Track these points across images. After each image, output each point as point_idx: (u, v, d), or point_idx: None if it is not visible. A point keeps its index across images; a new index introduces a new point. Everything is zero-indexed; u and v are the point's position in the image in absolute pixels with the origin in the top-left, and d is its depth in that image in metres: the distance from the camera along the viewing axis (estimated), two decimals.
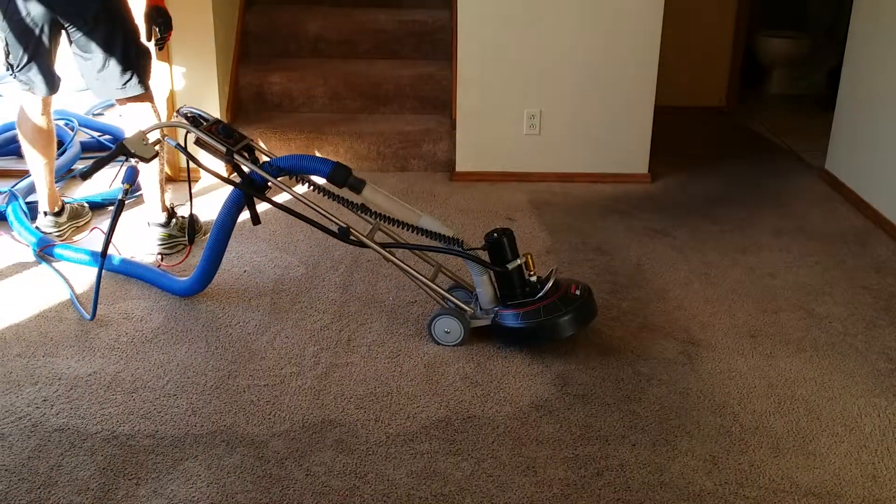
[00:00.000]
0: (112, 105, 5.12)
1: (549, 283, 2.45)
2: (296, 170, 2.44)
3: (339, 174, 2.40)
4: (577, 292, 2.45)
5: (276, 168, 2.43)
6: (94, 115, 4.89)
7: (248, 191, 2.45)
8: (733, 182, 4.00)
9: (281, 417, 2.13)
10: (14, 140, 4.03)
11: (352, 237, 2.41)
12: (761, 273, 3.03)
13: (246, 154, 2.44)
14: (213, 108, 3.76)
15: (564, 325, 2.38)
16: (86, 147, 4.14)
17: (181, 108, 2.50)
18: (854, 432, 2.12)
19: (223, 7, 3.82)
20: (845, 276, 3.02)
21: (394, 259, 2.47)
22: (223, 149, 2.37)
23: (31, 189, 3.49)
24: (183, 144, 2.42)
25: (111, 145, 4.14)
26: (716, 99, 5.22)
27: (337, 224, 2.42)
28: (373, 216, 2.44)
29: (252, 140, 2.49)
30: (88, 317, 2.54)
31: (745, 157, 4.42)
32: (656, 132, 3.93)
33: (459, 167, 3.86)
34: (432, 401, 2.22)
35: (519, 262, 2.44)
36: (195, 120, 2.43)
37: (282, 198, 3.27)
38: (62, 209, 3.20)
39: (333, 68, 4.14)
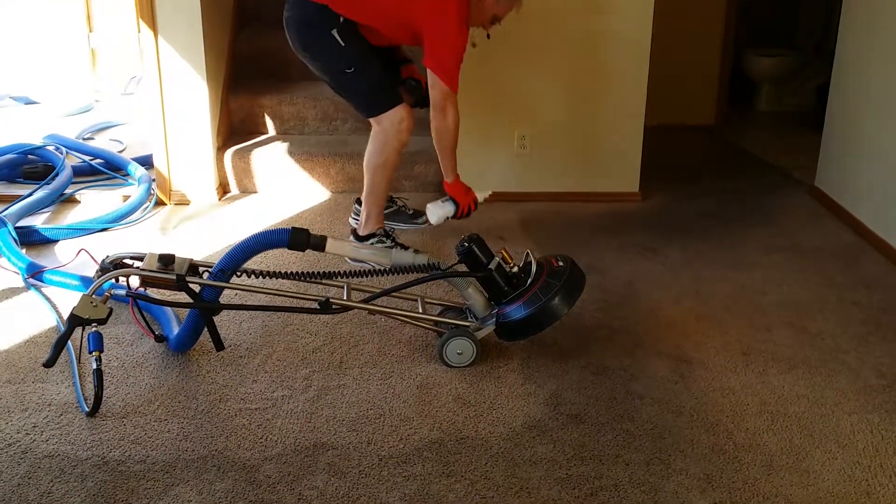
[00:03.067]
0: (104, 128, 5.14)
1: (534, 266, 2.47)
2: (248, 257, 2.35)
3: (299, 238, 2.34)
4: (561, 263, 2.49)
5: (227, 271, 2.33)
6: (84, 138, 4.90)
7: (204, 315, 2.35)
8: (723, 200, 4.01)
9: (272, 441, 2.12)
10: (7, 164, 4.04)
11: (334, 306, 2.36)
12: (752, 290, 3.04)
13: (192, 273, 2.34)
14: (205, 131, 3.77)
15: (565, 298, 2.40)
16: (77, 171, 4.13)
17: (104, 259, 2.40)
18: (847, 449, 2.12)
19: (214, 30, 3.84)
20: (836, 292, 3.03)
21: (382, 310, 2.47)
22: (173, 277, 2.27)
23: (21, 214, 3.49)
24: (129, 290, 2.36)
25: (103, 169, 4.14)
26: (705, 117, 5.25)
27: (314, 299, 2.37)
28: (339, 277, 2.42)
29: (191, 259, 2.38)
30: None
31: (734, 174, 4.45)
32: (646, 151, 3.95)
33: None
34: (425, 422, 2.21)
35: (497, 260, 2.46)
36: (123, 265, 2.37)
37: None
38: None
39: (324, 90, 4.12)
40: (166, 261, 2.34)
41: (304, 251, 2.41)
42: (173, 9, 3.55)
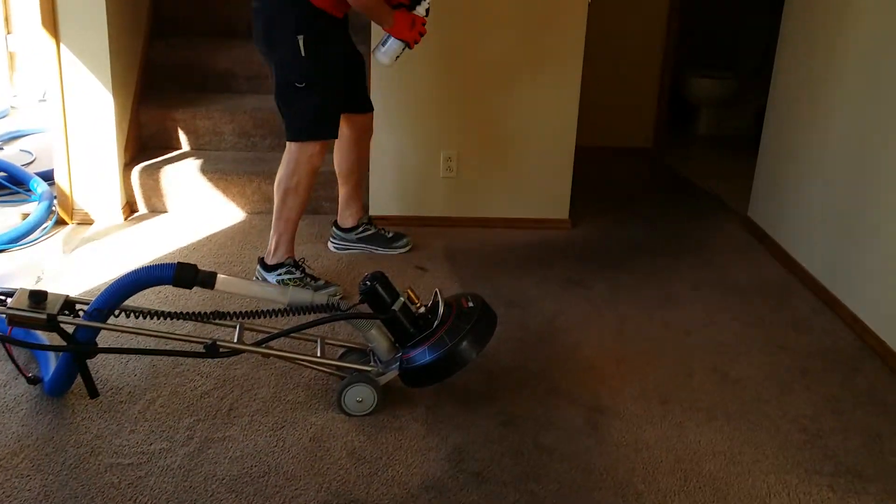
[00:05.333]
0: (16, 137, 4.86)
1: (441, 307, 2.31)
2: (128, 295, 2.16)
3: (186, 275, 2.15)
4: (471, 304, 2.32)
5: (104, 311, 2.14)
6: None
7: (78, 359, 2.15)
8: (655, 228, 3.91)
9: (142, 503, 1.92)
10: None
11: (222, 349, 2.18)
12: (677, 329, 2.92)
13: (68, 312, 2.15)
14: (110, 147, 3.54)
15: (474, 342, 2.24)
16: None
17: None
18: None
19: (123, 39, 3.61)
20: (763, 333, 2.92)
21: (276, 353, 2.29)
22: (43, 316, 2.08)
23: None
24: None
25: (6, 183, 3.88)
26: (643, 140, 5.16)
27: (200, 342, 2.18)
28: (232, 317, 2.23)
29: (67, 295, 2.20)
30: None
31: (668, 201, 4.35)
32: (580, 174, 3.83)
33: (373, 211, 3.69)
34: (313, 482, 2.03)
35: (402, 300, 2.29)
36: None
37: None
38: None
39: (242, 104, 3.95)
40: (38, 298, 2.13)
41: (191, 288, 2.22)
42: (77, 16, 3.33)
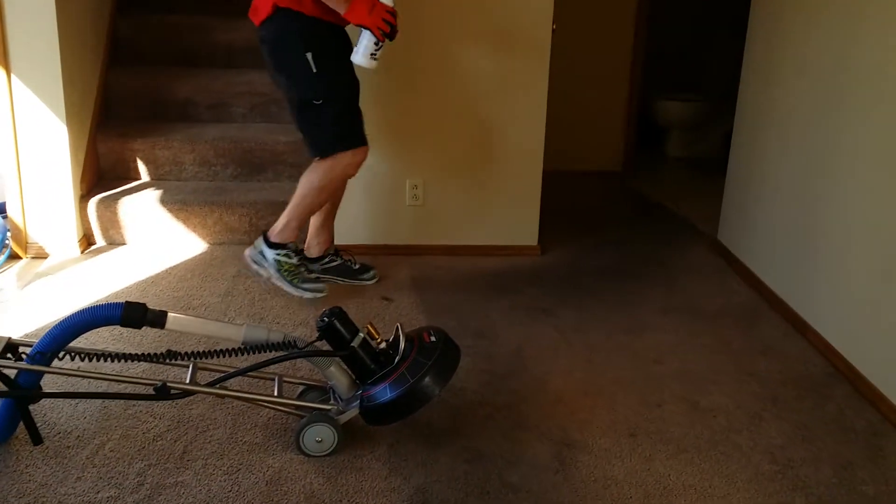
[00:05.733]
0: None
1: (402, 343, 2.23)
2: (73, 336, 2.08)
3: (134, 314, 2.07)
4: (433, 339, 2.25)
5: (48, 354, 2.05)
6: None
7: (20, 404, 2.06)
8: (624, 253, 3.87)
9: None
10: None
11: (173, 391, 2.10)
12: (646, 358, 2.86)
13: (10, 355, 2.07)
14: (65, 178, 3.45)
15: (436, 378, 2.16)
16: None
17: None
18: None
19: (77, 67, 3.53)
20: (732, 360, 2.87)
21: (230, 393, 2.20)
22: None
23: None
24: None
25: None
26: (612, 163, 5.14)
27: (149, 384, 2.10)
28: (185, 357, 2.15)
29: (10, 337, 2.11)
30: None
31: (638, 225, 4.32)
32: (549, 199, 3.79)
33: (338, 240, 3.61)
34: None
35: (361, 335, 2.22)
36: None
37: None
38: None
39: (203, 133, 3.88)
40: None
41: (140, 328, 2.13)
42: (28, 44, 3.24)
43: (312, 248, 3.31)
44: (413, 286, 3.37)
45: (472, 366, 2.74)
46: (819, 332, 2.95)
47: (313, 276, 3.14)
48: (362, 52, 2.79)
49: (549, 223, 3.95)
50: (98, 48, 3.89)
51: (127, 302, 2.10)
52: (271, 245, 3.08)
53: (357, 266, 3.32)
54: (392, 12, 2.77)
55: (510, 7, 3.45)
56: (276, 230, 3.08)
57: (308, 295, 3.11)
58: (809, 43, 3.10)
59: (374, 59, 2.81)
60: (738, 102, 3.71)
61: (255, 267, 3.14)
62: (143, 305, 2.11)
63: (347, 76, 2.94)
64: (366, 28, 2.75)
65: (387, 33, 2.77)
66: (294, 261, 3.10)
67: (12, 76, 3.28)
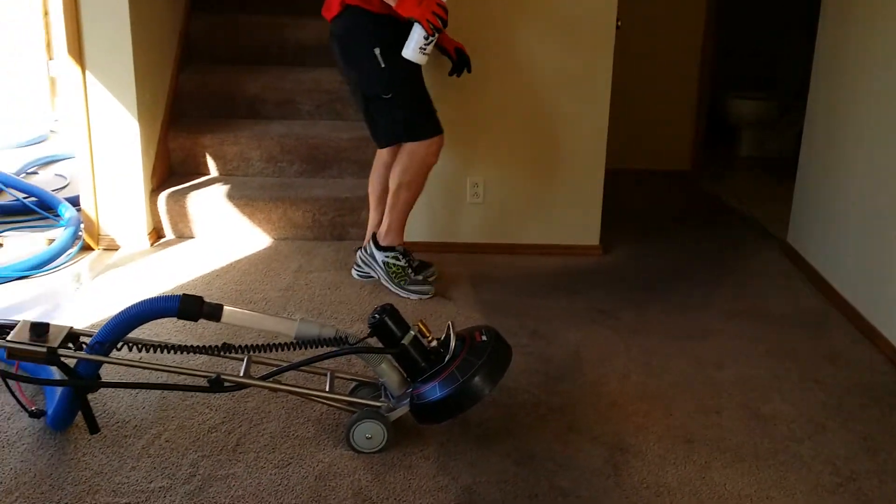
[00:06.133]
0: (52, 161, 4.92)
1: (452, 341, 2.22)
2: (131, 328, 2.13)
3: (191, 307, 2.11)
4: (484, 338, 2.24)
5: (106, 344, 2.10)
6: (27, 172, 4.69)
7: (78, 393, 2.12)
8: (690, 255, 3.78)
9: None
10: None
11: (227, 384, 2.13)
12: (707, 363, 2.79)
13: (71, 344, 2.13)
14: (136, 173, 3.55)
15: (486, 377, 2.15)
16: (8, 210, 3.92)
17: None
18: None
19: (150, 67, 3.63)
20: (797, 367, 2.78)
21: (283, 387, 2.23)
22: (43, 350, 2.04)
23: None
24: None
25: (35, 208, 3.92)
26: (679, 162, 5.03)
27: (204, 376, 2.13)
28: (241, 350, 2.19)
29: (71, 327, 2.17)
30: None
31: (705, 226, 4.22)
32: (613, 198, 3.73)
33: None
34: None
35: (412, 333, 2.22)
36: (1, 330, 2.16)
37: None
38: None
39: (270, 130, 3.93)
40: (39, 331, 2.10)
41: (196, 321, 2.18)
42: (102, 44, 3.35)
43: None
44: (472, 284, 3.36)
45: (527, 366, 2.72)
46: (889, 340, 2.83)
47: (420, 277, 3.18)
48: (412, 47, 2.81)
49: (613, 223, 3.89)
50: (171, 47, 3.98)
51: (184, 294, 2.14)
52: (380, 248, 3.18)
53: (416, 263, 3.32)
54: (442, 6, 2.78)
55: (573, 3, 3.40)
56: (383, 233, 3.18)
57: (414, 297, 3.16)
58: (885, 37, 2.97)
59: (425, 53, 2.83)
60: (809, 101, 3.59)
61: (365, 268, 3.25)
62: (200, 298, 2.15)
63: (415, 68, 2.96)
64: (416, 21, 2.77)
65: (437, 27, 2.77)
66: (402, 263, 3.18)
67: (87, 73, 3.38)
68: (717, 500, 2.09)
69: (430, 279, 3.31)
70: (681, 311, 3.18)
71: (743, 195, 4.65)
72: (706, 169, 5.09)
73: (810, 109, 3.60)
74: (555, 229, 3.68)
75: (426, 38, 2.78)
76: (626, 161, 4.84)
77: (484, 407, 2.45)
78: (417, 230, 3.64)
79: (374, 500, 2.05)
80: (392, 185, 3.12)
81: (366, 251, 3.24)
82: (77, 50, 3.34)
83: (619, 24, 3.48)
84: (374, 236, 3.23)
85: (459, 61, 3.19)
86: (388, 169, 3.20)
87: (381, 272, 3.20)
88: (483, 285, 3.36)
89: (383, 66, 2.88)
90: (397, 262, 3.17)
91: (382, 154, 3.18)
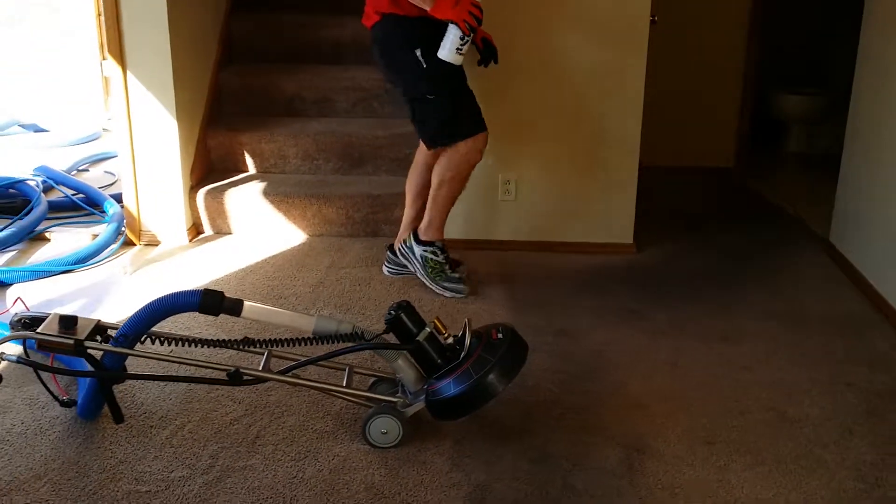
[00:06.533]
0: (102, 159, 5.06)
1: (468, 339, 2.24)
2: (155, 321, 2.17)
3: (212, 302, 2.15)
4: (500, 336, 2.25)
5: (131, 336, 2.15)
6: (78, 169, 4.83)
7: (104, 384, 2.18)
8: (728, 254, 3.71)
9: None
10: None
11: (246, 377, 2.18)
12: (737, 365, 2.74)
13: (99, 337, 2.19)
14: (175, 170, 3.63)
15: (501, 375, 2.17)
16: (58, 206, 4.04)
17: (14, 316, 2.34)
18: None
19: (189, 67, 3.70)
20: (831, 370, 2.71)
21: (300, 381, 2.27)
22: (70, 342, 2.11)
23: None
24: (25, 355, 2.19)
25: (83, 205, 4.04)
26: (723, 159, 4.94)
27: (223, 370, 2.18)
28: (261, 345, 2.23)
29: (99, 320, 2.24)
30: None
31: (746, 224, 4.13)
32: (652, 196, 3.68)
33: None
34: None
35: (428, 330, 2.24)
36: (33, 322, 2.24)
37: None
38: None
39: (306, 127, 3.99)
40: (67, 323, 2.17)
41: (217, 315, 2.22)
42: (142, 45, 3.44)
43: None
44: (502, 281, 3.36)
45: (550, 365, 2.71)
46: None
47: (456, 275, 3.19)
48: (448, 47, 2.83)
49: (650, 221, 3.84)
50: (211, 47, 4.06)
51: (205, 290, 2.19)
52: (420, 242, 3.20)
53: (457, 276, 3.30)
54: (477, 5, 2.78)
55: (606, 1, 3.37)
56: (423, 227, 3.20)
57: (448, 294, 3.17)
58: None
59: (461, 53, 2.84)
60: (853, 97, 3.50)
61: (400, 262, 3.27)
62: (221, 294, 2.20)
63: (455, 67, 2.96)
64: (452, 22, 2.78)
65: (473, 27, 2.78)
66: (440, 258, 3.19)
67: (128, 73, 3.47)
68: (733, 503, 2.06)
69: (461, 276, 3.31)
70: (713, 311, 3.13)
71: (787, 193, 4.55)
72: (751, 166, 4.98)
73: (854, 106, 3.51)
74: (587, 227, 3.65)
75: (462, 39, 2.79)
76: (668, 158, 4.77)
77: (502, 404, 2.45)
78: (449, 227, 3.63)
79: (387, 494, 2.07)
80: (434, 181, 3.13)
81: (405, 245, 3.25)
82: (118, 51, 3.43)
83: (655, 18, 3.44)
84: (415, 231, 3.24)
85: (486, 52, 3.16)
86: (428, 168, 3.20)
87: (419, 266, 3.21)
88: (513, 283, 3.35)
89: (425, 66, 2.89)
90: (435, 258, 3.18)
91: (424, 153, 3.18)
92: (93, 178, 4.62)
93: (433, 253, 3.19)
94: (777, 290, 3.34)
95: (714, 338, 2.93)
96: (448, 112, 3.02)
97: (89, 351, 2.14)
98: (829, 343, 2.90)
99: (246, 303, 2.22)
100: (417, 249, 3.21)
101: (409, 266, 3.26)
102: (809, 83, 5.32)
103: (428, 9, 2.80)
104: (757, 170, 4.95)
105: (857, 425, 2.40)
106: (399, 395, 2.30)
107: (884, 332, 2.98)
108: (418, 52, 2.90)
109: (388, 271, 3.36)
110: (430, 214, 3.19)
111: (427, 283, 3.20)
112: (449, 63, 2.88)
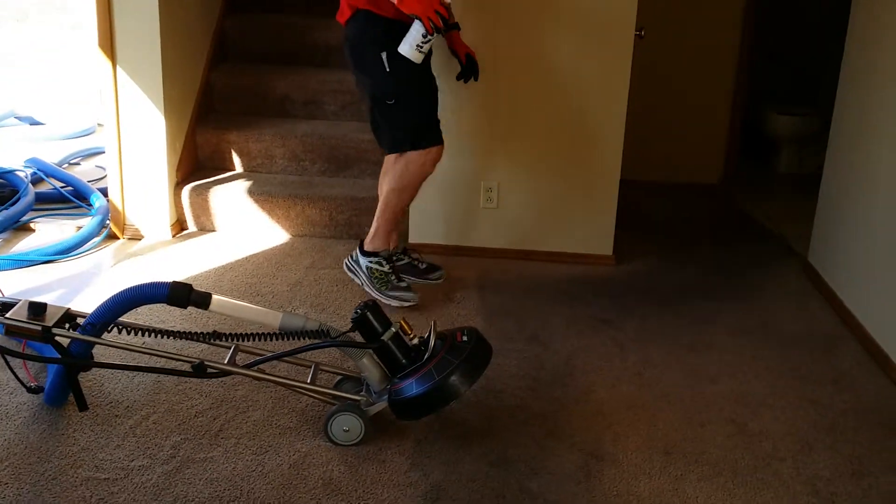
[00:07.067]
0: (94, 153, 5.10)
1: (432, 340, 2.26)
2: (123, 311, 2.21)
3: (180, 294, 2.19)
4: (465, 338, 2.27)
5: (99, 325, 2.19)
6: (70, 163, 4.86)
7: (69, 371, 2.21)
8: (706, 270, 3.73)
9: None
10: None
11: (210, 370, 2.21)
12: (702, 377, 2.77)
13: (67, 325, 2.22)
14: (161, 165, 3.66)
15: (463, 377, 2.19)
16: (46, 198, 4.07)
17: None
18: None
19: (179, 64, 3.74)
20: (796, 386, 2.73)
21: (265, 376, 2.29)
22: (38, 328, 2.14)
23: None
24: None
25: (70, 197, 4.07)
26: (711, 176, 4.97)
27: (187, 361, 2.21)
28: (228, 339, 2.26)
29: (68, 308, 2.27)
30: None
31: (728, 241, 4.15)
32: (637, 210, 3.70)
33: (411, 239, 3.67)
34: None
35: (393, 330, 2.27)
36: (3, 308, 2.26)
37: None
38: None
39: (294, 129, 4.02)
40: (37, 310, 2.20)
41: (185, 308, 2.25)
42: (132, 40, 3.47)
43: None
44: (478, 288, 3.38)
45: (518, 370, 2.73)
46: None
47: (404, 284, 3.17)
48: (409, 43, 2.79)
49: (632, 234, 3.87)
50: (203, 46, 4.10)
51: (173, 282, 2.22)
52: (365, 253, 3.17)
53: (424, 266, 3.35)
54: (445, 5, 2.78)
55: (591, 10, 3.40)
56: (369, 238, 3.17)
57: (395, 303, 3.13)
58: None
59: (420, 51, 2.80)
60: (834, 116, 3.53)
61: (350, 274, 3.25)
62: (189, 286, 2.22)
63: (422, 77, 2.97)
64: (417, 17, 2.74)
65: (437, 26, 2.74)
66: (385, 268, 3.14)
67: (117, 68, 3.51)
68: None
69: (437, 281, 3.33)
70: (685, 324, 3.16)
71: (773, 212, 4.57)
72: (739, 183, 5.01)
73: (835, 127, 3.54)
74: (568, 237, 3.68)
75: (424, 37, 2.76)
76: (656, 173, 4.81)
77: (468, 407, 2.48)
78: (431, 232, 3.68)
79: (343, 490, 2.10)
80: (385, 189, 3.10)
81: (352, 259, 3.22)
82: (108, 45, 3.46)
83: (643, 33, 3.47)
84: (361, 242, 3.21)
85: (468, 67, 3.17)
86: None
87: (365, 279, 3.17)
88: (489, 289, 3.38)
89: (388, 70, 2.89)
90: (381, 268, 3.13)
91: (391, 159, 3.20)
92: (83, 172, 4.65)
93: (378, 263, 3.14)
94: (751, 306, 3.36)
95: (683, 349, 2.95)
96: (406, 119, 3.00)
97: (57, 338, 2.17)
98: (797, 359, 2.92)
99: (214, 296, 2.25)
100: (363, 261, 3.16)
101: (357, 279, 3.21)
102: (802, 102, 5.35)
103: (395, 2, 2.77)
104: (745, 188, 4.98)
105: (816, 441, 2.42)
106: (363, 393, 2.33)
107: (852, 351, 3.00)
108: (384, 55, 2.87)
109: (347, 267, 3.33)
110: (376, 223, 3.15)
111: (374, 295, 3.13)
112: (412, 70, 2.85)
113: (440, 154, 3.05)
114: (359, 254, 3.19)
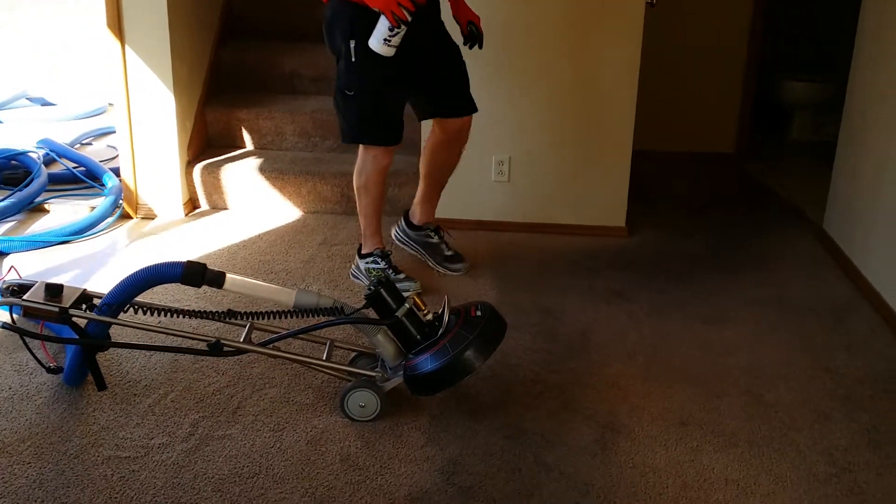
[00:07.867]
0: (105, 133, 5.10)
1: (446, 315, 2.27)
2: (138, 291, 2.22)
3: (194, 273, 2.20)
4: (479, 313, 2.27)
5: (115, 305, 2.21)
6: (82, 143, 4.87)
7: (87, 352, 2.23)
8: (721, 239, 3.71)
9: (128, 497, 1.97)
10: None
11: (226, 348, 2.22)
12: (717, 349, 2.76)
13: (84, 305, 2.23)
14: (172, 144, 3.67)
15: (478, 351, 2.20)
16: (59, 179, 4.09)
17: (2, 283, 2.37)
18: None
19: (187, 41, 3.73)
20: (811, 355, 2.73)
21: (280, 354, 2.31)
22: (55, 309, 2.15)
23: None
24: (11, 321, 2.22)
25: (83, 178, 4.08)
26: (724, 145, 4.93)
27: (204, 340, 2.22)
28: (243, 317, 2.27)
29: (84, 289, 2.27)
30: None
31: (742, 210, 4.13)
32: (650, 180, 3.68)
33: None
34: (299, 486, 2.03)
35: (407, 306, 2.27)
36: (20, 290, 2.27)
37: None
38: None
39: (304, 105, 4.01)
40: (53, 291, 2.22)
41: (199, 287, 2.26)
42: (140, 19, 3.46)
43: (415, 214, 3.32)
44: (491, 262, 3.38)
45: (532, 344, 2.74)
46: None
47: (402, 276, 3.07)
48: (377, 37, 2.65)
49: (646, 205, 3.85)
50: (212, 23, 4.08)
51: (188, 261, 2.23)
52: (361, 256, 3.13)
53: (450, 253, 3.29)
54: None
55: None
56: (362, 241, 3.13)
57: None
58: None
59: (389, 44, 2.65)
60: (849, 84, 3.49)
61: (356, 282, 3.20)
62: (203, 265, 2.23)
63: (389, 72, 2.78)
64: (381, 11, 2.62)
65: (402, 19, 2.59)
66: (381, 266, 3.08)
67: (126, 48, 3.50)
68: (703, 484, 2.09)
69: (459, 273, 3.26)
70: (701, 295, 3.15)
71: (788, 180, 4.54)
72: (754, 152, 4.97)
73: (850, 92, 3.50)
74: (580, 209, 3.67)
75: (391, 30, 2.62)
76: (669, 143, 4.77)
77: (482, 381, 2.49)
78: (442, 206, 3.66)
79: (360, 466, 2.12)
80: (355, 191, 3.05)
81: (356, 268, 3.16)
82: (117, 24, 3.46)
83: (654, 1, 3.43)
84: (358, 248, 3.15)
85: (471, 35, 3.00)
86: (438, 146, 3.13)
87: (366, 280, 3.11)
88: (502, 263, 3.38)
89: (353, 60, 2.74)
90: (377, 266, 3.07)
91: (434, 131, 3.11)
92: (95, 152, 4.66)
93: (374, 262, 3.08)
94: (765, 275, 3.35)
95: (697, 321, 2.95)
96: (360, 113, 2.86)
97: (74, 319, 2.19)
98: (812, 328, 2.92)
99: (228, 275, 2.26)
100: (362, 265, 3.11)
101: (363, 284, 3.13)
102: (817, 69, 5.29)
103: None
104: (759, 156, 4.94)
105: (833, 411, 2.42)
106: (378, 369, 2.34)
107: (866, 318, 2.99)
108: (352, 44, 2.74)
109: (395, 236, 3.34)
110: (361, 227, 3.10)
111: None
112: (381, 64, 2.71)
113: (389, 157, 2.93)
114: (358, 260, 3.14)
